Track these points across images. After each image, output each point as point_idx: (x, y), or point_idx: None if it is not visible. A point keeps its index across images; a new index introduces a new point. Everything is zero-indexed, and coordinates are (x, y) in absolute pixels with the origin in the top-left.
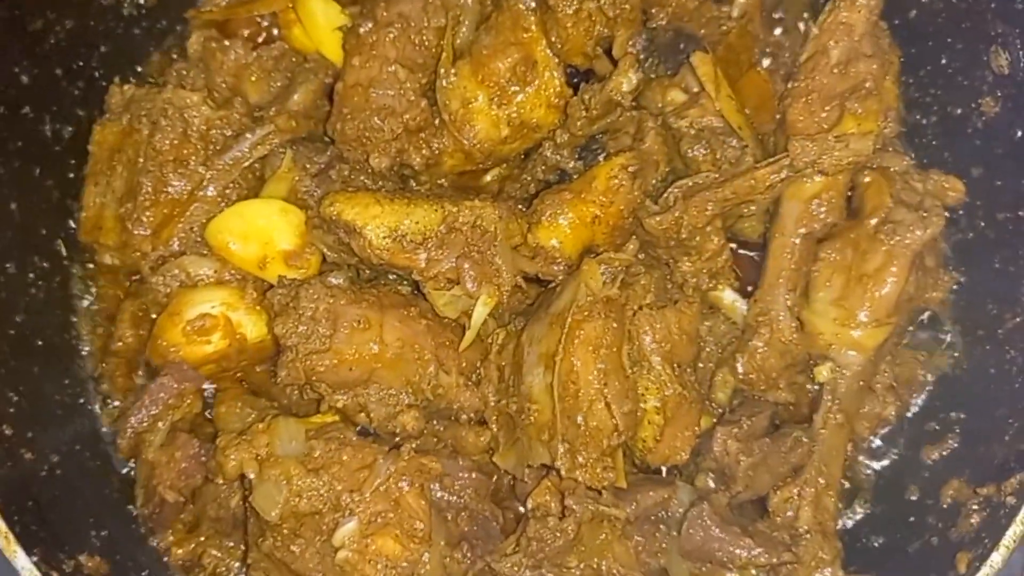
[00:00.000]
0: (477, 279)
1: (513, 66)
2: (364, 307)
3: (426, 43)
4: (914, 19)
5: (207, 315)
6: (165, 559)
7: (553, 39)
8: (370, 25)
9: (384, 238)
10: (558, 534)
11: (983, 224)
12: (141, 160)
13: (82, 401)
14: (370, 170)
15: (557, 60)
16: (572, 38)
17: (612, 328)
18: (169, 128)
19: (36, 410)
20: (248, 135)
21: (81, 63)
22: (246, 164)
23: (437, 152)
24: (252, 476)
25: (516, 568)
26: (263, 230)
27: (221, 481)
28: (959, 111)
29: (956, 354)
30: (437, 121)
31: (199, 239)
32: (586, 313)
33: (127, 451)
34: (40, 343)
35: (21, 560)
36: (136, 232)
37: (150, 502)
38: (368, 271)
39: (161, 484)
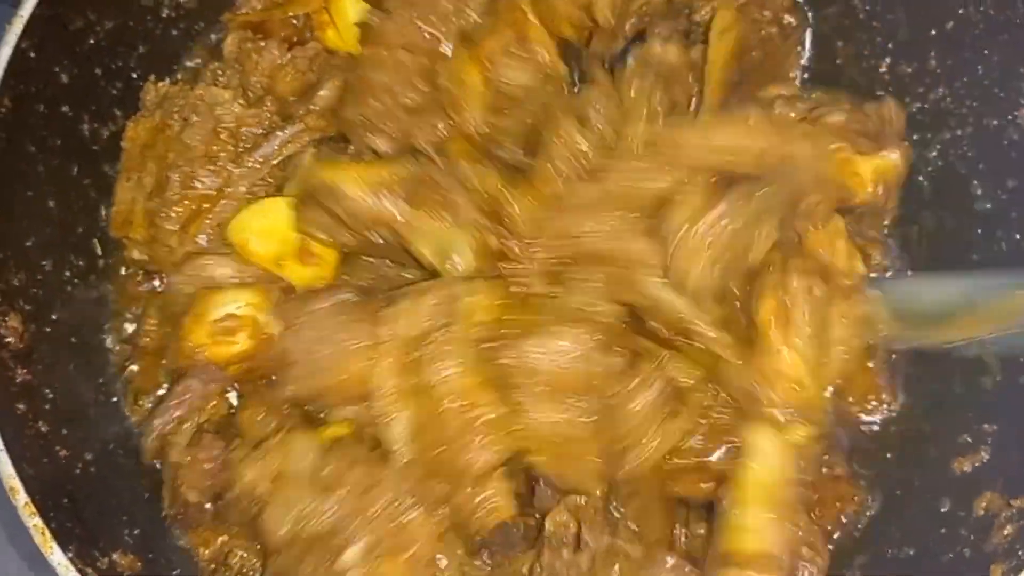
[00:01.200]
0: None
1: (506, 44)
2: (370, 323)
3: (432, 26)
4: (951, 30)
5: (232, 315)
6: (195, 559)
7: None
8: (380, 15)
9: (364, 191)
10: (571, 567)
11: (1018, 236)
12: (171, 156)
13: (115, 400)
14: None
15: (548, 33)
16: (559, 7)
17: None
18: (199, 124)
19: (70, 407)
20: (279, 133)
21: (120, 63)
22: (275, 162)
23: (443, 135)
24: (263, 495)
25: None
26: (281, 227)
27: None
28: (995, 122)
29: (988, 365)
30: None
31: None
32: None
33: (153, 452)
34: (74, 340)
35: (57, 556)
36: (164, 227)
37: (176, 503)
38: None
39: (185, 485)
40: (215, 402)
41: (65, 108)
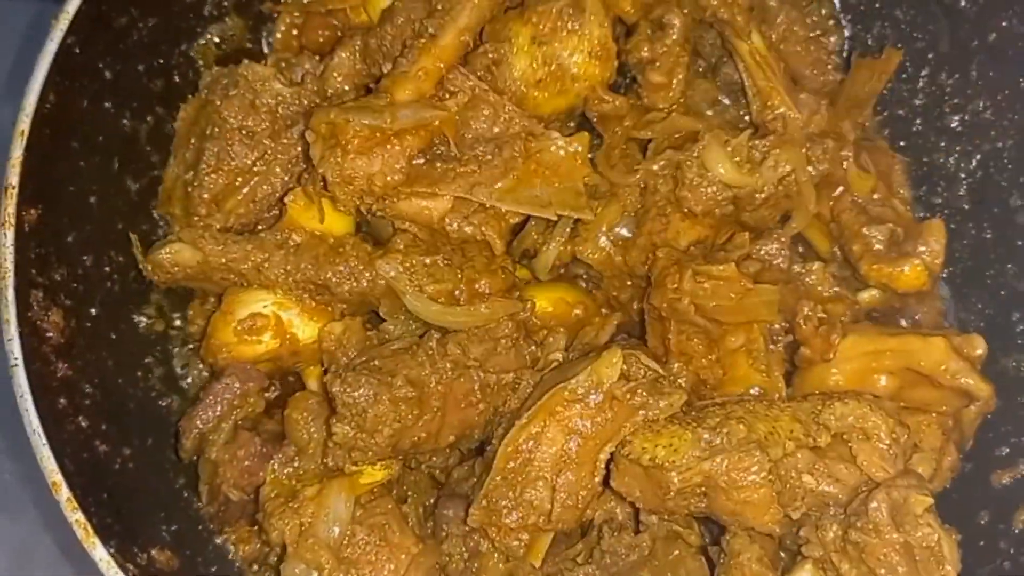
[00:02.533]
0: None
1: (561, 8)
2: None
3: None
4: (993, 42)
5: (258, 315)
6: (231, 556)
7: None
8: None
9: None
10: (633, 549)
11: None
12: (209, 129)
13: (153, 395)
14: None
15: (606, 10)
16: None
17: (599, 425)
18: (237, 97)
19: (109, 403)
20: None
21: (161, 60)
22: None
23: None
24: (288, 549)
25: None
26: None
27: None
28: None
29: None
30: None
31: (265, 213)
32: (578, 396)
33: (191, 451)
34: (113, 336)
35: (100, 552)
36: (195, 195)
37: (215, 500)
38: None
39: (225, 483)
40: (252, 400)
41: (108, 104)
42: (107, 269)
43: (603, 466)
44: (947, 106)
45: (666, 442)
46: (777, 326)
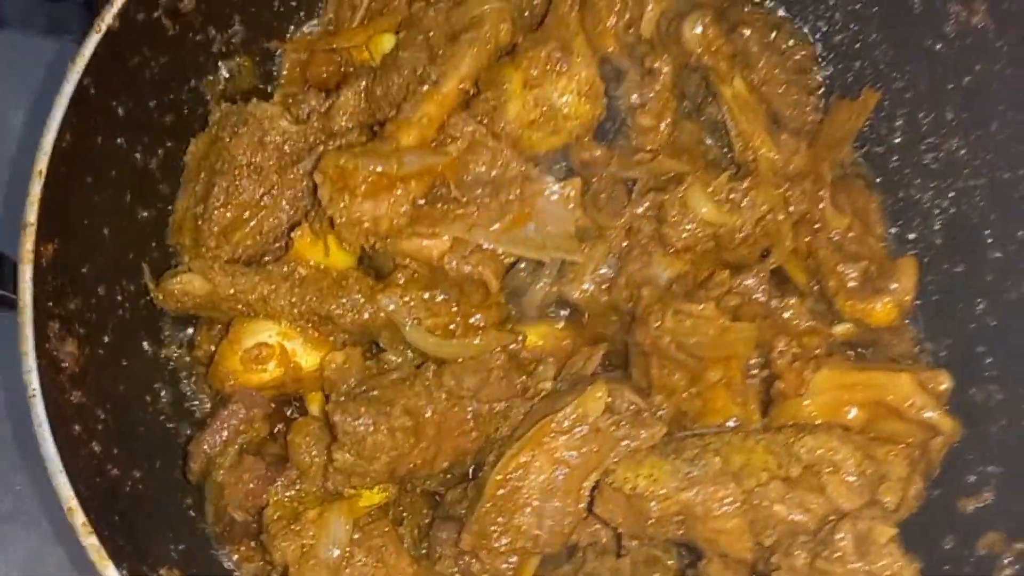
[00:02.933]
0: None
1: (549, 52)
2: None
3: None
4: (967, 84)
5: (264, 344)
6: (236, 574)
7: (588, 25)
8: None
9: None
10: (615, 572)
11: None
12: (219, 165)
13: (162, 418)
14: None
15: (592, 51)
16: (603, 19)
17: (584, 456)
18: (246, 135)
19: (121, 427)
20: (322, 148)
21: (172, 96)
22: None
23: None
24: (290, 570)
25: None
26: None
27: None
28: (1007, 175)
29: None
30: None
31: (270, 246)
32: (565, 429)
33: (199, 473)
34: (125, 363)
35: (111, 573)
36: (205, 228)
37: (220, 521)
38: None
39: (230, 504)
40: (257, 425)
41: (120, 140)
42: (119, 298)
43: (588, 493)
44: (923, 144)
45: (647, 472)
46: (754, 360)
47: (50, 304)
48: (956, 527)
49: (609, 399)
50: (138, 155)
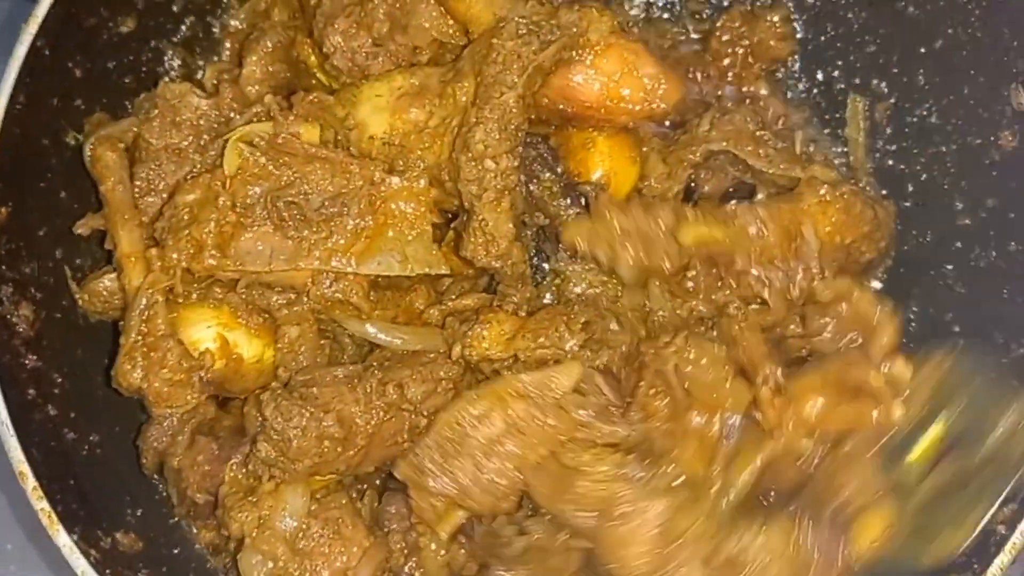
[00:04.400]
0: None
1: None
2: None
3: None
4: (939, 49)
5: (207, 351)
6: (193, 540)
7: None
8: None
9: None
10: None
11: (995, 254)
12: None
13: None
14: None
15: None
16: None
17: (538, 427)
18: (158, 119)
19: (79, 391)
20: (236, 117)
21: (131, 57)
22: None
23: None
24: (246, 540)
25: None
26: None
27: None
28: (978, 141)
29: None
30: None
31: None
32: (527, 393)
33: (152, 467)
34: (83, 324)
35: (63, 539)
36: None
37: (183, 503)
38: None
39: (190, 488)
40: (202, 409)
41: (79, 102)
42: (78, 261)
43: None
44: (895, 110)
45: (597, 451)
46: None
47: (3, 267)
48: None
49: (583, 384)
50: (96, 118)
